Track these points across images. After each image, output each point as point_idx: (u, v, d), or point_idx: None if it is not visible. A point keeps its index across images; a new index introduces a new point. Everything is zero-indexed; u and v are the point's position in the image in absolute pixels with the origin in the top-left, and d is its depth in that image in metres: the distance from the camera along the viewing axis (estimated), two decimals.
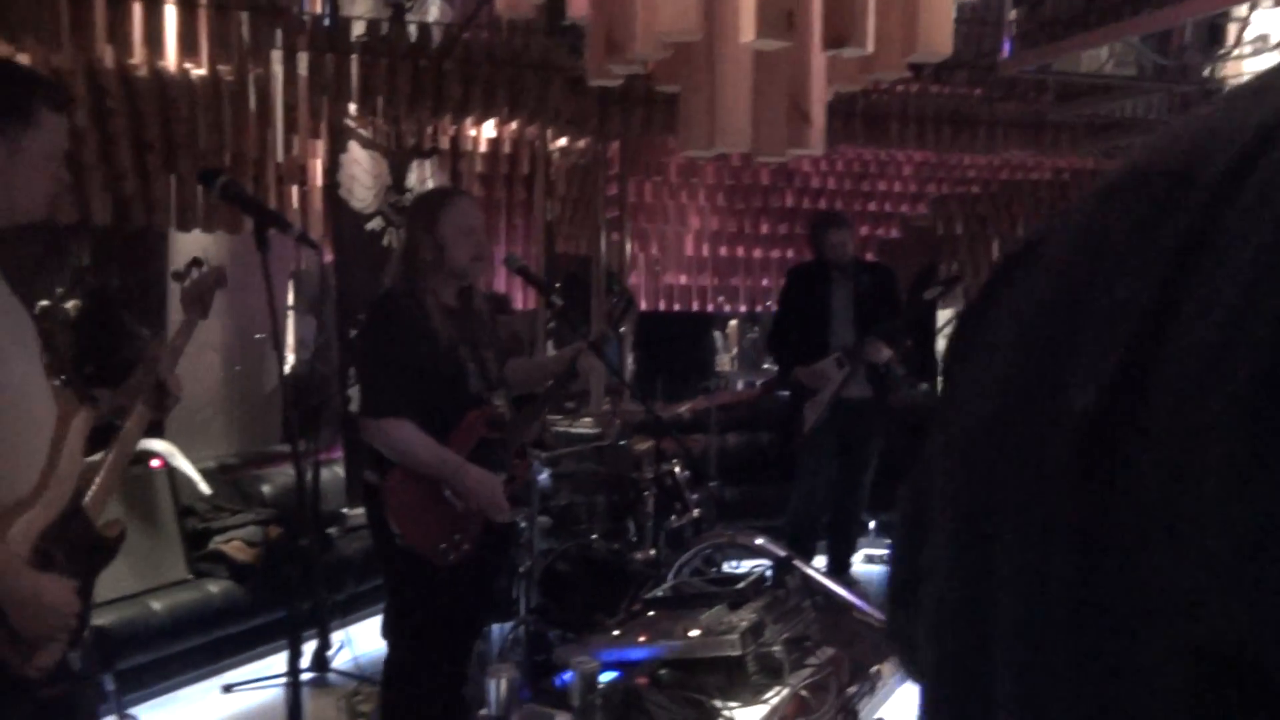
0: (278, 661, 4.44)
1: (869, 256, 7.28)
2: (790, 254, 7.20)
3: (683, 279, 7.17)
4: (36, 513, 1.92)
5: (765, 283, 7.34)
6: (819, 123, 1.63)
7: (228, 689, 4.25)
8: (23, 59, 4.07)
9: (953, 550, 0.53)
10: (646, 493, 4.14)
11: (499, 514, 2.99)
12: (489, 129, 5.83)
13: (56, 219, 4.47)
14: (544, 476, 3.96)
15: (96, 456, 2.11)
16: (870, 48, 1.47)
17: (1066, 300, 0.48)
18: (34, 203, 1.94)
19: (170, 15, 4.36)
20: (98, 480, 2.06)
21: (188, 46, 4.40)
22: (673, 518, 4.17)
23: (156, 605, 4.03)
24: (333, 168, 5.08)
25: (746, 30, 1.46)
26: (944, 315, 8.58)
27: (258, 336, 5.72)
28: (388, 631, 3.96)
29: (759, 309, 7.75)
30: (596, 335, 3.28)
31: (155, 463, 4.41)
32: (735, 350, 10.73)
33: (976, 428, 0.52)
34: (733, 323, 10.67)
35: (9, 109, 1.88)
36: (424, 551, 2.88)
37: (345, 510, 5.05)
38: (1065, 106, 5.99)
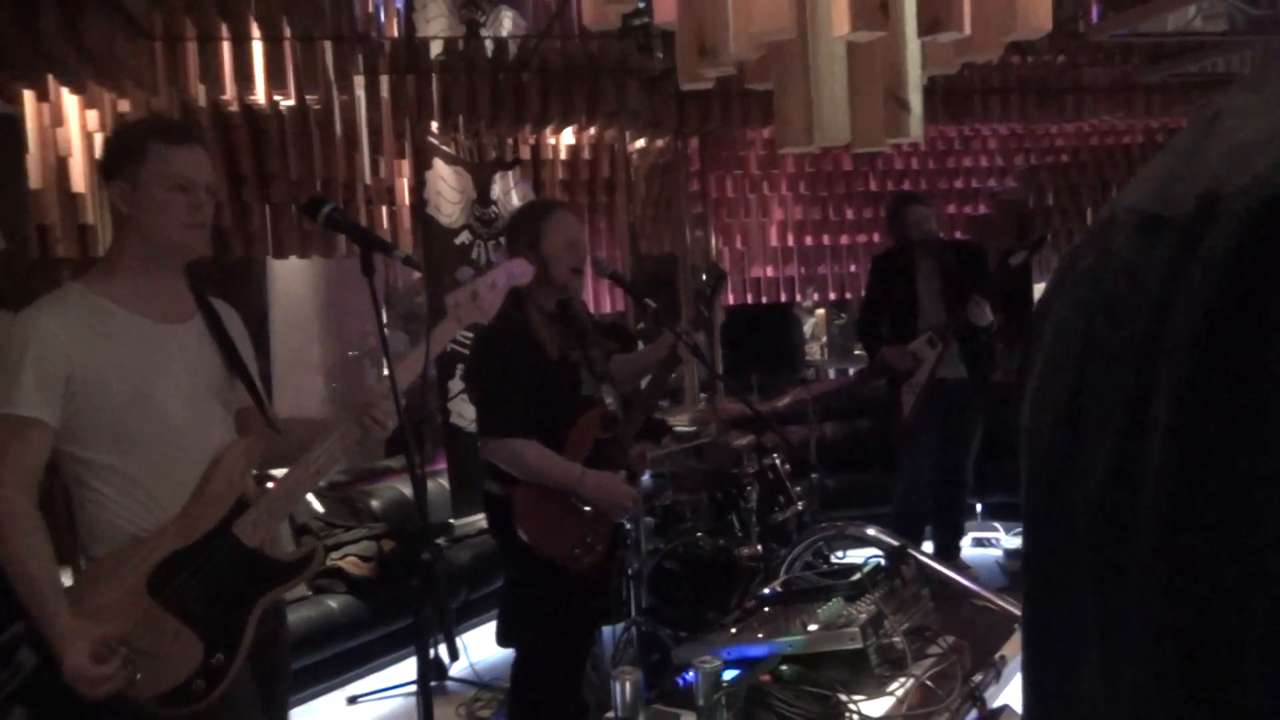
0: (398, 672, 4.55)
1: (957, 234, 7.16)
2: (876, 238, 7.11)
3: (769, 271, 7.13)
4: (165, 538, 1.98)
5: (853, 269, 7.25)
6: (917, 110, 1.61)
7: (353, 700, 4.37)
8: (124, 105, 4.24)
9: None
10: (749, 487, 4.15)
11: (624, 512, 3.03)
12: (568, 136, 5.88)
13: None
14: (646, 477, 4.00)
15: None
16: (967, 30, 1.46)
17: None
18: (169, 232, 2.04)
19: (257, 51, 4.50)
20: (255, 504, 2.11)
21: (275, 80, 4.53)
22: (776, 511, 4.16)
23: None
24: (419, 186, 5.18)
25: (840, 23, 1.45)
26: (1040, 288, 8.39)
27: (351, 354, 5.87)
28: (507, 637, 4.03)
29: (847, 296, 7.66)
30: (690, 319, 3.30)
31: (269, 485, 4.54)
32: (824, 338, 10.65)
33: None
34: (820, 311, 10.58)
35: (123, 154, 2.05)
36: (557, 557, 2.93)
37: (452, 521, 5.15)
38: (1155, 68, 5.81)
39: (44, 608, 1.87)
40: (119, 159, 2.05)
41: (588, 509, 2.96)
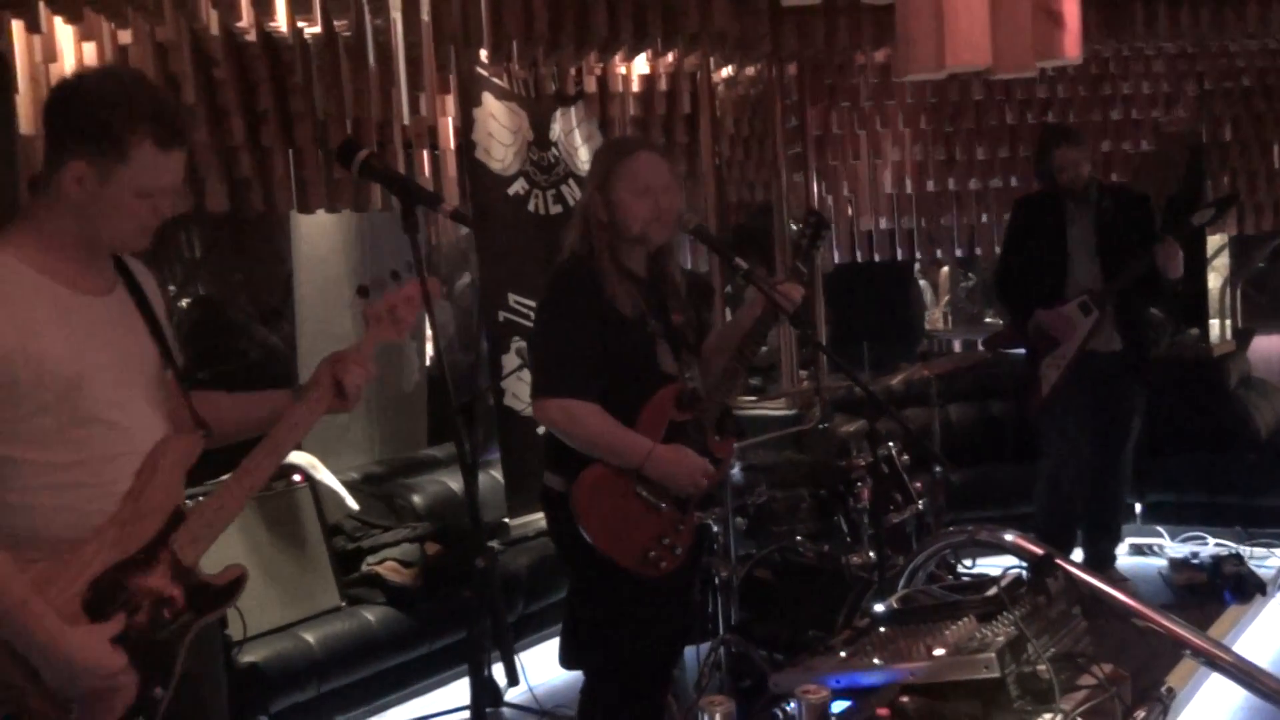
0: (446, 696, 4.63)
1: (1113, 177, 7.01)
2: (1014, 182, 7.00)
3: (882, 222, 7.07)
4: (99, 550, 1.99)
5: (984, 219, 7.16)
6: (1074, 24, 1.56)
7: None
8: (125, 36, 4.32)
9: None
10: (859, 483, 4.13)
11: (699, 488, 3.03)
12: (641, 64, 5.86)
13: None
14: (735, 470, 4.00)
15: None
16: None
17: None
18: (119, 237, 2.08)
19: None
20: (191, 516, 2.11)
21: (298, 3, 4.57)
22: (892, 511, 4.14)
23: (310, 637, 4.24)
24: (466, 126, 5.21)
25: None
26: (1214, 242, 8.18)
27: None
28: (571, 659, 4.08)
29: (977, 252, 7.57)
30: (785, 274, 3.29)
31: (296, 478, 4.64)
32: (947, 298, 10.55)
33: None
34: (944, 270, 10.48)
35: (101, 137, 1.98)
36: (629, 563, 2.95)
37: (507, 520, 5.20)
38: None
39: (24, 614, 1.87)
40: (91, 136, 1.98)
41: (664, 505, 2.98)
